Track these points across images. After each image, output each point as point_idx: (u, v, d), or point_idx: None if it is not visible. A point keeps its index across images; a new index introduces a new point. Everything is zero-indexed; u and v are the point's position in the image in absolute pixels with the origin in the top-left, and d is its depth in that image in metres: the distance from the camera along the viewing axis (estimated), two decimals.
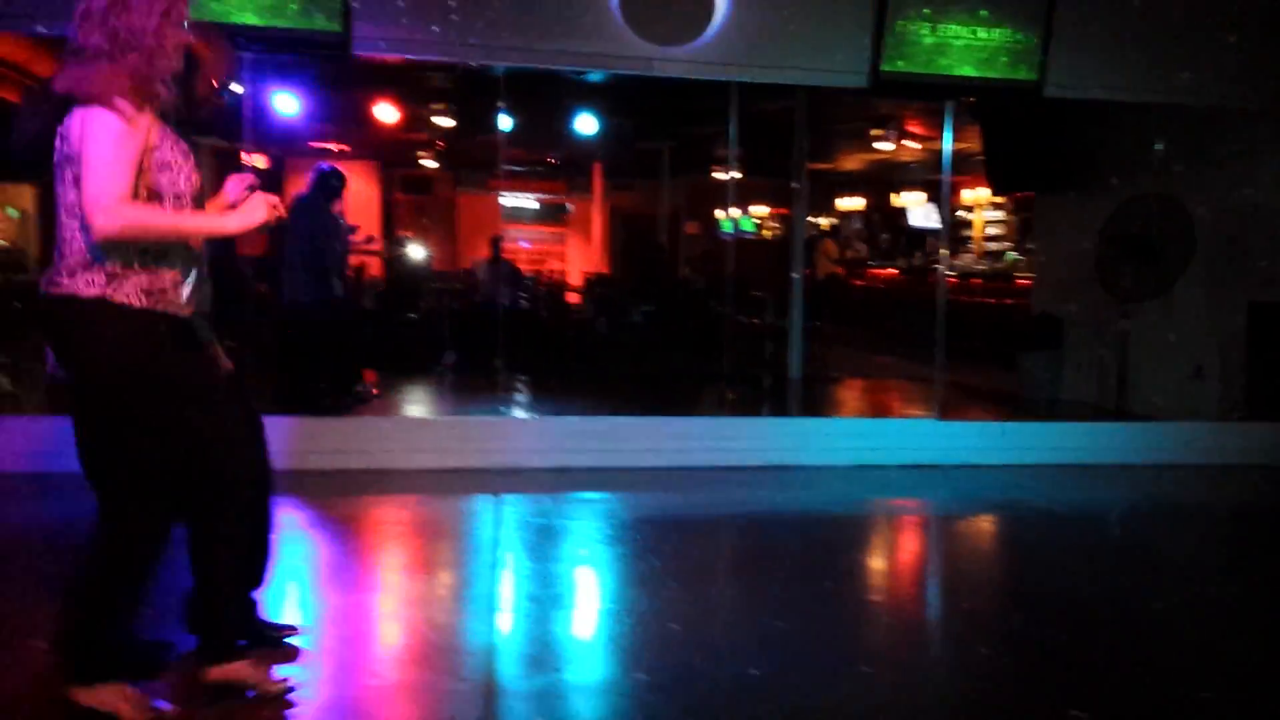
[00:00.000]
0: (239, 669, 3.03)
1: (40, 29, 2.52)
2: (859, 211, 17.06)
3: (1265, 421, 7.47)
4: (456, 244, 15.29)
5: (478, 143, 11.70)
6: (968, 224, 14.70)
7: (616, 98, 9.93)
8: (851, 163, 14.63)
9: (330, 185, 7.69)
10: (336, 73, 8.74)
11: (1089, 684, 3.46)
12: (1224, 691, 3.49)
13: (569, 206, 16.66)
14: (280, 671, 3.18)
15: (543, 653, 3.65)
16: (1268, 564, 5.24)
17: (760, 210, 16.32)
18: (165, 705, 2.92)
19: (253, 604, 3.43)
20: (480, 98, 8.39)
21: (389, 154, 14.62)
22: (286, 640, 3.49)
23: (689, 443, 6.74)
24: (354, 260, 12.08)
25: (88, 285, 2.71)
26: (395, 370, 9.59)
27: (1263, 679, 3.63)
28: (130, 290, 2.74)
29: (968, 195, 14.29)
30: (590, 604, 4.34)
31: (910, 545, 5.76)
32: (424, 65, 8.09)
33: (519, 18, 6.37)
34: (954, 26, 6.84)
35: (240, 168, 7.93)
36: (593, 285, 13.67)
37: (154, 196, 2.78)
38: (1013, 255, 12.96)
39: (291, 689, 3.09)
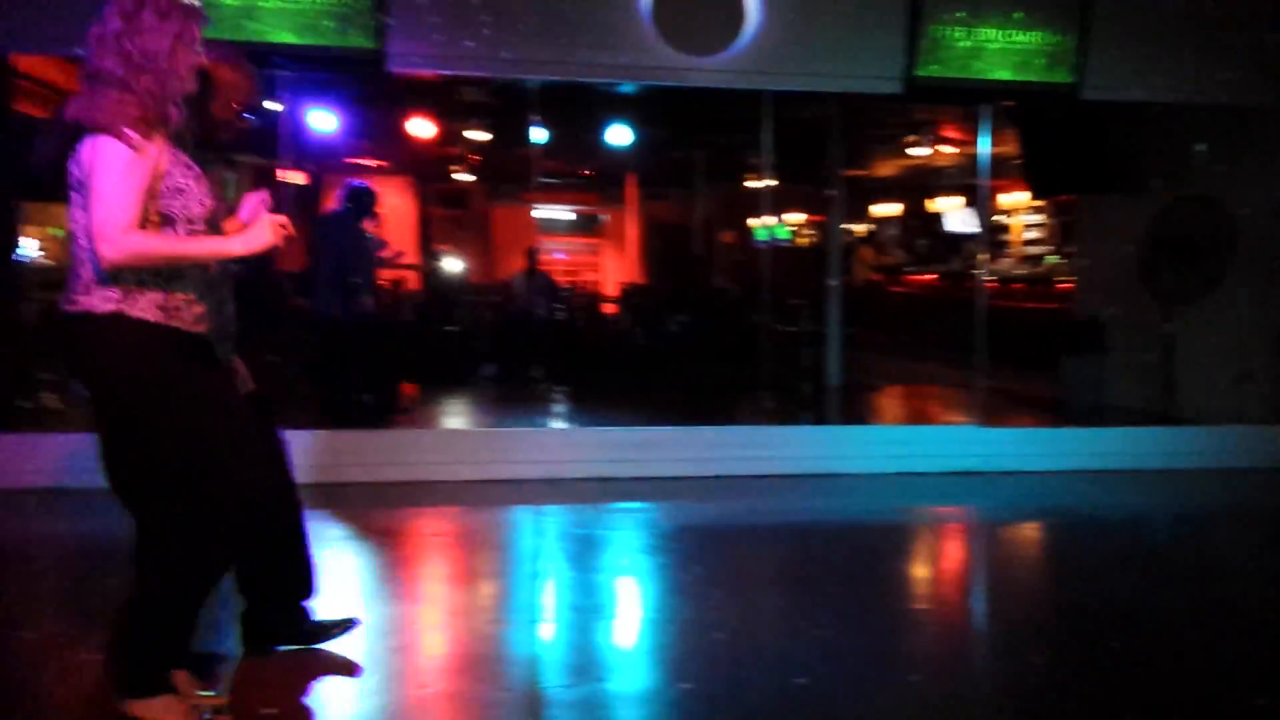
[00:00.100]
0: (157, 705, 2.87)
1: (79, 51, 2.59)
2: (895, 217, 16.96)
3: None
4: (492, 257, 15.34)
5: (512, 156, 11.76)
6: (1006, 228, 14.56)
7: (649, 108, 9.95)
8: (887, 168, 14.55)
9: (361, 202, 7.77)
10: (371, 89, 8.82)
11: (1141, 691, 3.40)
12: (1278, 697, 3.42)
13: (603, 217, 16.70)
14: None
15: (586, 662, 3.66)
16: None
17: (795, 217, 16.26)
18: (218, 718, 2.93)
19: (303, 611, 3.50)
20: (514, 111, 8.43)
21: (424, 169, 14.71)
22: (340, 634, 3.55)
23: (728, 451, 6.72)
24: (392, 275, 12.19)
25: (103, 302, 2.75)
26: (435, 382, 9.66)
27: None
28: (145, 306, 2.77)
29: (1006, 199, 14.16)
30: (632, 613, 4.33)
31: (955, 553, 5.71)
32: (458, 80, 8.14)
33: (551, 31, 6.41)
34: (988, 30, 6.80)
35: (276, 185, 8.05)
36: (628, 295, 13.68)
37: (166, 221, 2.80)
38: (1053, 259, 12.82)
39: None
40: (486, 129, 11.29)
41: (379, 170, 14.16)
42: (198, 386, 2.87)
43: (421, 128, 10.31)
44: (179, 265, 2.81)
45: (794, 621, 4.09)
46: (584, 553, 5.07)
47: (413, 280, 13.05)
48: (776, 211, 15.08)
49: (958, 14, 6.74)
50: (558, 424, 7.62)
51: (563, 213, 16.30)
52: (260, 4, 5.91)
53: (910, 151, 12.15)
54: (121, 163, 2.69)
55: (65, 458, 5.65)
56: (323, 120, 9.02)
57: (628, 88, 7.97)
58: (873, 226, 17.16)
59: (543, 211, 14.85)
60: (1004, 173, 10.69)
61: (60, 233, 9.71)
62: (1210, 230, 7.72)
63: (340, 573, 4.67)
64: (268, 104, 6.82)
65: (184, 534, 2.86)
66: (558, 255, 15.85)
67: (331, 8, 5.99)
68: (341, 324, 7.40)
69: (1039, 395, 9.19)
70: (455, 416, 8.72)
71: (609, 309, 13.70)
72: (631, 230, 16.15)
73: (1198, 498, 6.64)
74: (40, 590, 4.35)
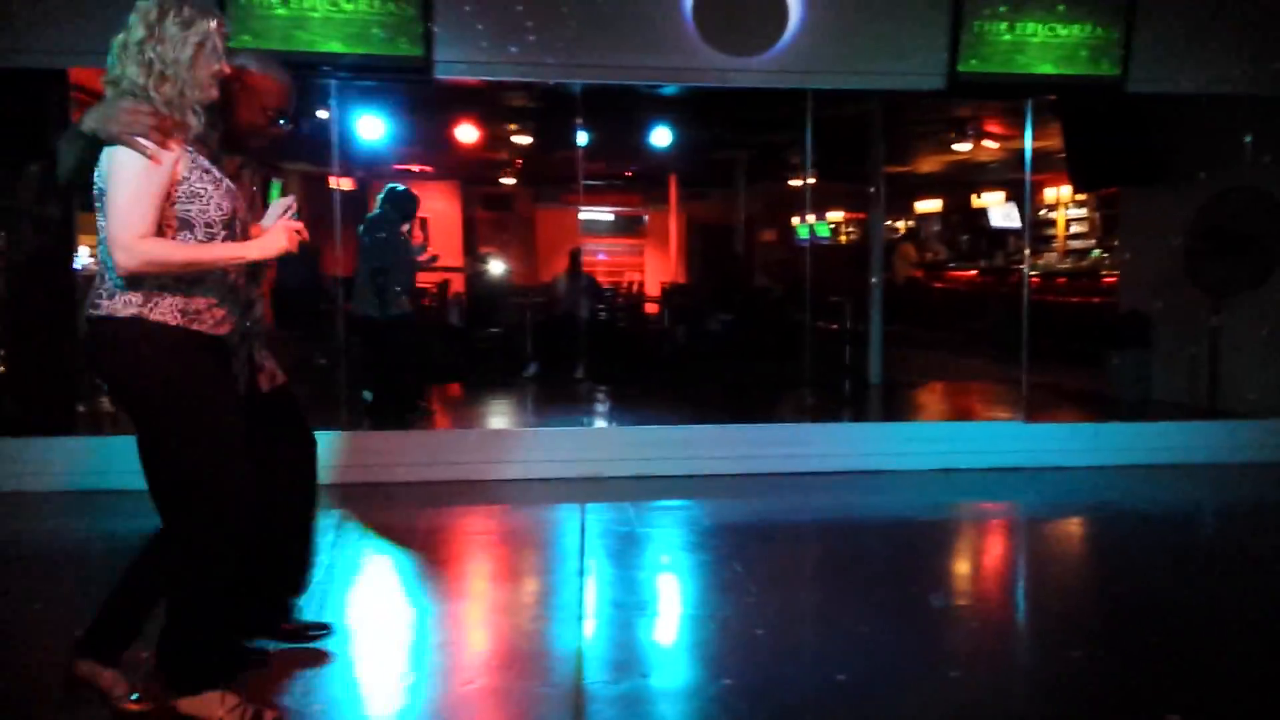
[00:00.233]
0: (208, 701, 2.96)
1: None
2: (937, 213, 16.86)
3: None
4: (536, 258, 15.48)
5: (555, 159, 11.86)
6: (1050, 222, 14.44)
7: (691, 109, 9.99)
8: (929, 165, 14.47)
9: (401, 205, 7.89)
10: (417, 95, 8.95)
11: (1184, 687, 3.40)
12: None
13: (645, 218, 16.77)
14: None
15: (628, 658, 3.71)
16: None
17: (836, 215, 16.23)
18: (265, 711, 3.01)
19: (286, 608, 3.59)
20: (557, 114, 8.52)
21: (469, 173, 14.88)
22: (316, 642, 3.60)
23: (770, 449, 6.75)
24: (437, 277, 12.34)
25: (125, 306, 2.82)
26: (480, 383, 9.79)
27: None
28: (166, 310, 2.83)
29: (1049, 194, 14.04)
30: (674, 610, 4.39)
31: (997, 549, 5.70)
32: (503, 85, 8.24)
33: (595, 35, 6.49)
34: (1032, 24, 6.76)
35: (326, 192, 8.20)
36: (670, 295, 13.73)
37: (184, 226, 2.86)
38: (1097, 253, 12.70)
39: None
40: (530, 133, 11.39)
41: (425, 175, 14.35)
42: (211, 392, 2.93)
43: (466, 132, 10.44)
44: (197, 271, 2.87)
45: (834, 618, 4.12)
46: (626, 550, 5.13)
47: (457, 282, 13.22)
48: (817, 210, 15.08)
49: (1000, 8, 6.71)
50: (600, 423, 7.70)
51: (605, 214, 16.39)
52: (310, 14, 6.04)
53: (952, 147, 12.08)
54: (137, 172, 2.75)
55: (123, 459, 5.79)
56: (371, 127, 9.16)
57: (670, 89, 8.01)
58: (914, 223, 17.08)
59: (586, 213, 14.94)
60: (1047, 167, 10.62)
61: None
62: (1260, 222, 7.63)
63: (388, 570, 4.78)
64: (318, 113, 6.96)
65: (184, 535, 2.94)
66: (600, 256, 15.95)
67: (380, 17, 6.10)
68: (378, 325, 7.51)
69: (1083, 390, 9.12)
70: (499, 416, 8.83)
71: (651, 309, 13.77)
72: (673, 231, 16.20)
73: (1243, 492, 6.56)
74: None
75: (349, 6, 6.07)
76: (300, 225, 3.01)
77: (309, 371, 8.66)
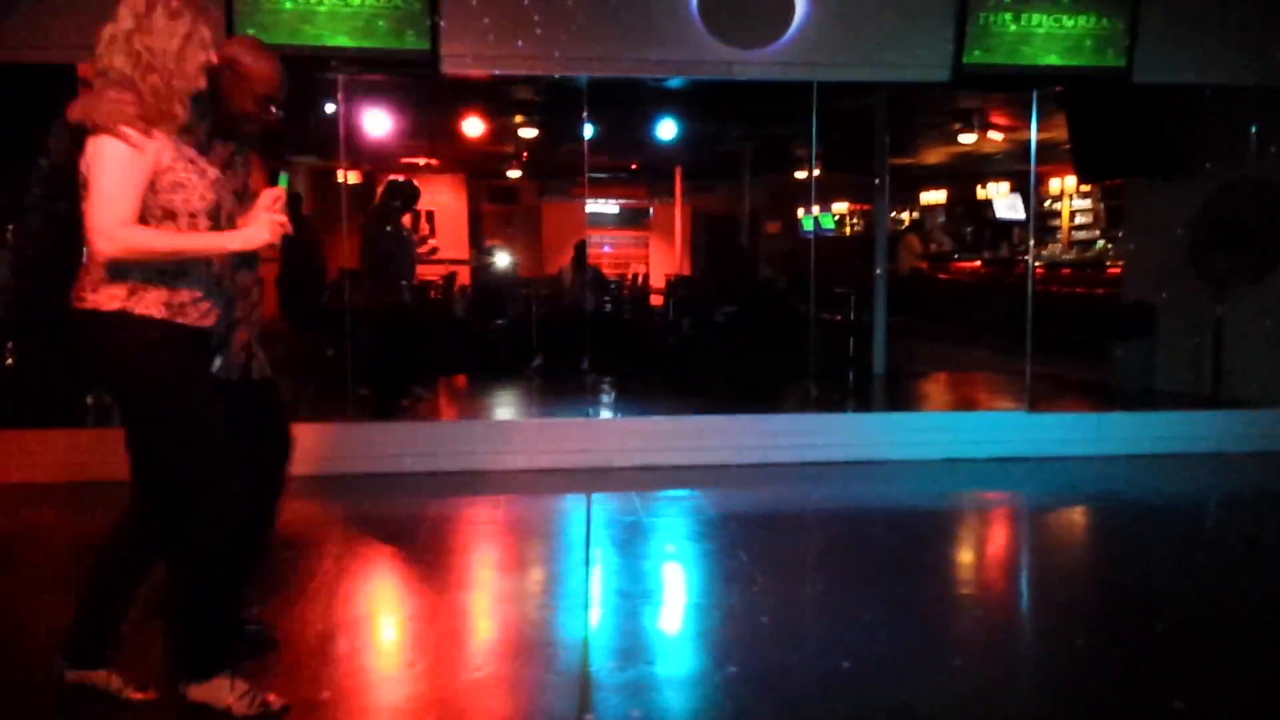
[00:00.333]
0: (218, 687, 3.00)
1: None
2: (942, 205, 16.86)
3: None
4: (542, 251, 15.52)
5: (561, 152, 11.88)
6: (1055, 214, 14.43)
7: (697, 102, 10.00)
8: (934, 156, 14.46)
9: (402, 196, 7.92)
10: (424, 89, 8.97)
11: (1190, 677, 3.43)
12: None
13: (650, 210, 16.79)
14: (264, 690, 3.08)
15: (634, 646, 3.75)
16: None
17: (841, 207, 16.23)
18: (272, 697, 3.05)
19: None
20: (562, 107, 8.53)
21: (475, 166, 14.91)
22: (256, 655, 3.44)
23: (775, 440, 6.79)
24: (444, 270, 12.37)
25: (110, 300, 2.84)
26: (485, 374, 9.82)
27: None
28: (150, 303, 2.86)
29: (1054, 185, 14.03)
30: (679, 598, 4.43)
31: (1001, 539, 5.73)
32: (509, 79, 8.27)
33: (601, 29, 6.51)
34: (1037, 15, 6.77)
35: (334, 185, 8.23)
36: (675, 287, 13.75)
37: (168, 215, 2.87)
38: (1102, 244, 12.70)
39: (276, 711, 3.03)
40: (536, 126, 11.40)
41: (431, 168, 14.38)
42: (197, 384, 2.96)
43: (472, 126, 10.47)
44: (180, 261, 2.88)
45: (839, 607, 4.15)
46: (631, 539, 5.16)
47: (463, 274, 13.24)
48: (822, 201, 15.10)
49: None
50: (606, 414, 7.73)
51: (611, 207, 16.42)
52: (316, 9, 6.07)
53: (957, 138, 12.08)
54: (119, 160, 2.77)
55: None
56: (377, 121, 9.19)
57: (675, 82, 8.03)
58: (919, 214, 17.08)
59: (591, 206, 14.98)
60: (1052, 158, 10.63)
61: None
62: (1265, 213, 7.63)
63: (394, 561, 4.82)
64: (325, 107, 6.98)
65: (179, 524, 2.96)
66: (606, 249, 15.98)
67: (386, 11, 6.13)
68: (379, 316, 7.54)
69: (1087, 381, 9.14)
70: (505, 407, 8.86)
71: (656, 301, 13.79)
72: (679, 223, 16.22)
73: (1247, 481, 6.58)
74: None
75: (355, 1, 6.10)
76: (285, 220, 2.99)
77: (316, 362, 8.73)
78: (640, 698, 3.24)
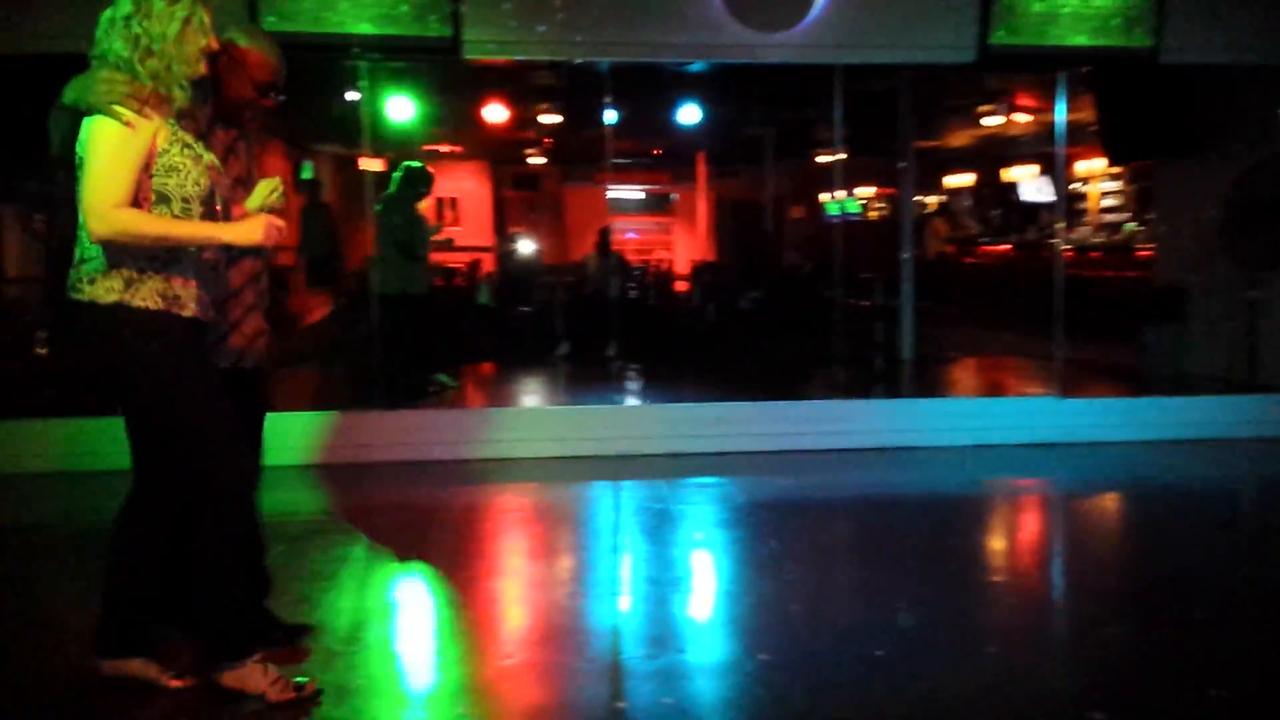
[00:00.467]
0: (250, 673, 3.00)
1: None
2: (968, 188, 16.71)
3: None
4: (565, 238, 15.51)
5: (583, 137, 11.85)
6: (1083, 196, 14.29)
7: (720, 86, 9.94)
8: (960, 138, 14.33)
9: (417, 182, 7.91)
10: (446, 76, 8.97)
11: (1226, 663, 3.39)
12: None
13: (674, 196, 16.75)
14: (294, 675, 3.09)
15: (665, 634, 3.74)
16: None
17: (866, 191, 16.12)
18: (305, 683, 3.06)
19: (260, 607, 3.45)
20: (585, 93, 8.50)
21: (498, 153, 14.90)
22: (293, 642, 3.45)
23: (802, 426, 6.76)
24: (468, 257, 12.38)
25: (107, 292, 2.84)
26: (511, 362, 9.83)
27: None
28: (146, 295, 2.85)
29: (1082, 166, 13.88)
30: (710, 586, 4.42)
31: (1033, 525, 5.69)
32: (531, 65, 8.24)
33: (623, 13, 6.48)
34: None
35: (358, 174, 8.23)
36: (700, 273, 13.72)
37: (161, 200, 2.87)
38: (1131, 226, 12.56)
39: (308, 696, 3.03)
40: (558, 112, 11.38)
41: (454, 155, 14.37)
42: (197, 372, 2.96)
43: (495, 112, 10.44)
44: (171, 247, 2.87)
45: (871, 594, 4.13)
46: (661, 527, 5.16)
47: (488, 262, 13.25)
48: (847, 185, 15.00)
49: None
50: (632, 401, 7.72)
51: (634, 193, 16.38)
52: None
53: (983, 121, 11.96)
54: (114, 140, 2.77)
55: None
56: (400, 108, 9.18)
57: (698, 66, 7.99)
58: (945, 198, 16.95)
59: (614, 192, 14.95)
60: (1080, 139, 10.49)
61: None
62: None
63: (426, 549, 4.83)
64: (348, 94, 6.97)
65: (189, 514, 2.97)
66: (630, 235, 15.95)
67: None
68: (396, 303, 7.52)
69: (1118, 365, 9.05)
70: (532, 395, 8.87)
71: (681, 287, 13.76)
72: (702, 208, 16.17)
73: None
74: None
75: None
76: (282, 224, 2.97)
77: (343, 350, 8.75)
78: (672, 685, 3.22)
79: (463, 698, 3.16)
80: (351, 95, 7.00)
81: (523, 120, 11.55)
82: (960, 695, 3.19)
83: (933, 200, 16.60)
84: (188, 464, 2.97)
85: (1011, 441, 6.80)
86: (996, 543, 5.29)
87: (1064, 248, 8.14)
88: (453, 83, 9.52)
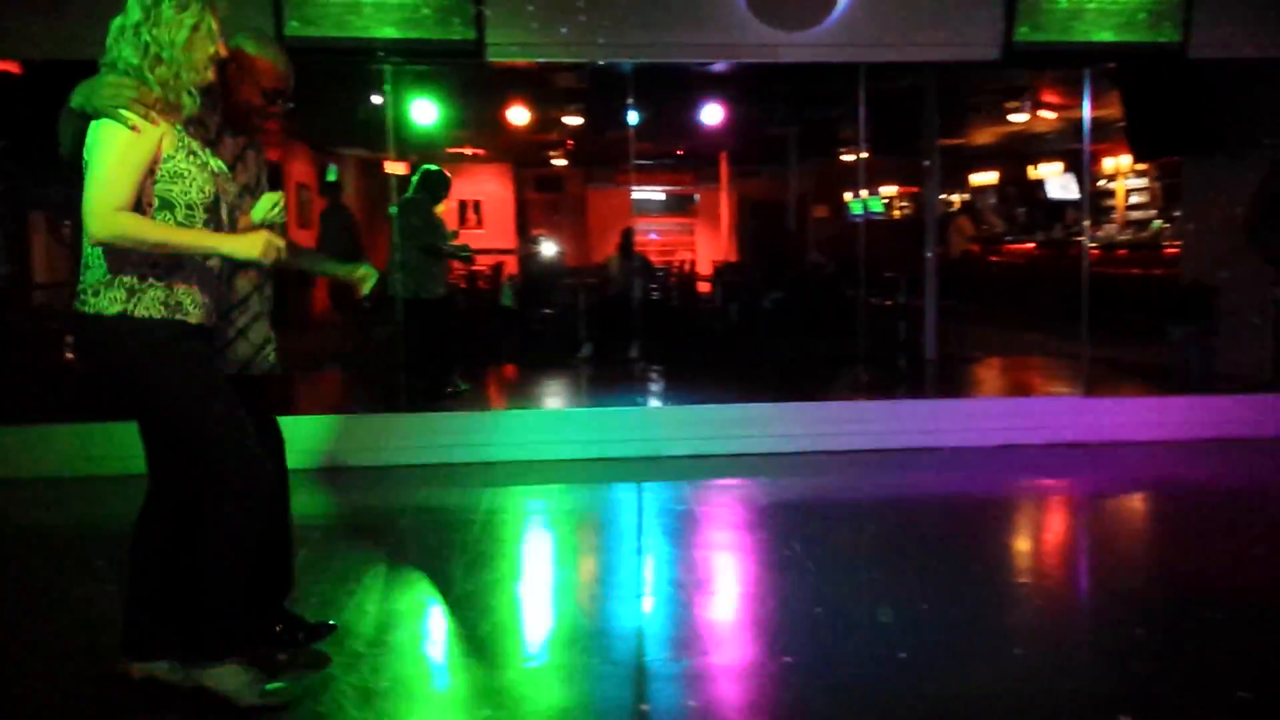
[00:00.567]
0: (226, 674, 3.02)
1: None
2: (993, 186, 16.62)
3: None
4: (588, 239, 15.54)
5: (606, 139, 11.87)
6: (1109, 193, 14.17)
7: (742, 86, 9.93)
8: (984, 136, 14.25)
9: (434, 186, 7.92)
10: (470, 78, 9.00)
11: (1254, 666, 3.36)
12: None
13: (696, 197, 16.75)
14: (270, 684, 3.08)
15: (689, 636, 3.74)
16: None
17: (890, 190, 16.05)
18: (280, 687, 3.07)
19: (279, 611, 3.45)
20: (607, 95, 8.52)
21: (521, 155, 14.95)
22: (316, 642, 3.45)
23: (826, 427, 6.74)
24: (491, 260, 12.41)
25: (111, 303, 2.85)
26: (535, 363, 9.86)
27: None
28: (149, 304, 2.87)
29: (1108, 163, 13.77)
30: (733, 588, 4.42)
31: (1059, 525, 5.65)
32: (554, 66, 8.27)
33: (645, 14, 6.48)
34: None
35: (383, 178, 8.26)
36: (723, 273, 13.70)
37: (164, 205, 2.88)
38: (1158, 224, 12.45)
39: (277, 705, 3.03)
40: (581, 113, 11.40)
41: (478, 158, 14.43)
42: (204, 378, 2.97)
43: (518, 114, 10.48)
44: (176, 255, 2.88)
45: (895, 596, 4.10)
46: (684, 529, 5.16)
47: (511, 264, 13.29)
48: (871, 185, 14.95)
49: None
50: (655, 402, 7.72)
51: (657, 193, 16.39)
52: (362, 0, 6.09)
53: (1008, 118, 11.88)
54: (119, 143, 2.78)
55: None
56: (424, 111, 9.22)
57: (720, 66, 7.98)
58: (970, 196, 16.86)
59: (637, 193, 14.96)
60: (1105, 136, 10.42)
61: None
62: None
63: (451, 551, 4.85)
64: (373, 98, 7.00)
65: (205, 515, 2.98)
66: (652, 236, 15.96)
67: (431, 1, 6.14)
68: (414, 306, 7.54)
69: (1145, 364, 8.97)
70: (555, 396, 8.88)
71: (704, 288, 13.74)
72: (725, 209, 16.16)
73: None
74: None
75: None
76: (281, 244, 2.96)
77: (362, 353, 8.79)
78: (696, 688, 3.23)
79: (487, 699, 3.17)
80: (375, 99, 7.03)
81: (545, 122, 11.59)
82: (985, 697, 3.18)
83: (957, 199, 16.51)
84: (199, 467, 2.99)
85: (1038, 441, 6.76)
86: (1021, 544, 5.26)
87: (1090, 246, 8.09)
88: (476, 85, 9.56)
